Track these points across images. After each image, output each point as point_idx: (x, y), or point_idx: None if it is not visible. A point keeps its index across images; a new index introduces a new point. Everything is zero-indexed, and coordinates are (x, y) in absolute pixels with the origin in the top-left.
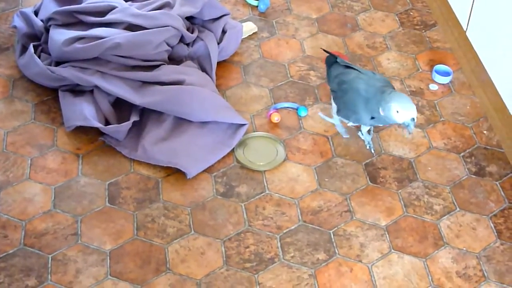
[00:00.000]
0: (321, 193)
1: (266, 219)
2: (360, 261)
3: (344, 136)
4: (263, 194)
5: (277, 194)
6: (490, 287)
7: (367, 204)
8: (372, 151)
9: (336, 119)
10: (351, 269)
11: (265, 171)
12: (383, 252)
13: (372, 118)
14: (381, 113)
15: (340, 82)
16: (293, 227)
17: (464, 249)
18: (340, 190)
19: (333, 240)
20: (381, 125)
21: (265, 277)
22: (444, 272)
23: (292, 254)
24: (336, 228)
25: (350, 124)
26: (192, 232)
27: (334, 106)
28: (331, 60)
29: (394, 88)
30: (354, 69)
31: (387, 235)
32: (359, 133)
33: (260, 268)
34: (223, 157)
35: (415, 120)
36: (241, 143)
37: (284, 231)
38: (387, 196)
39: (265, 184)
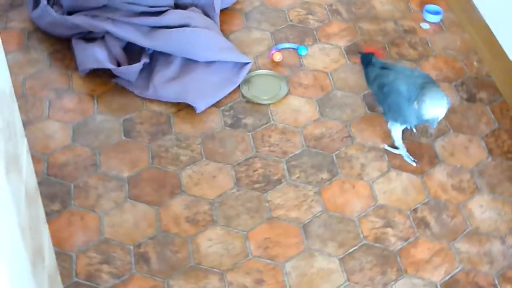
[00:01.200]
0: (322, 121)
1: (272, 145)
2: (362, 179)
3: (414, 165)
4: (268, 124)
5: (281, 124)
6: (483, 197)
7: (366, 130)
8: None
9: (402, 149)
10: (353, 186)
11: (269, 104)
12: (383, 170)
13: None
14: (416, 106)
15: (380, 85)
16: (297, 152)
17: (458, 165)
18: (340, 118)
19: (335, 161)
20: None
21: (274, 195)
22: (440, 186)
23: (298, 175)
24: (338, 151)
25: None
26: (204, 159)
27: (396, 137)
28: (367, 59)
29: (435, 82)
30: (390, 69)
31: (386, 156)
32: (402, 153)
33: (268, 188)
34: (230, 94)
35: (439, 119)
36: (246, 80)
37: (290, 156)
38: (384, 122)
39: (270, 116)
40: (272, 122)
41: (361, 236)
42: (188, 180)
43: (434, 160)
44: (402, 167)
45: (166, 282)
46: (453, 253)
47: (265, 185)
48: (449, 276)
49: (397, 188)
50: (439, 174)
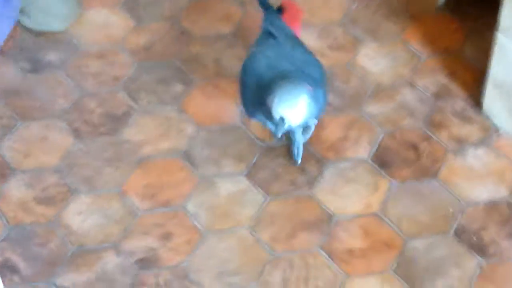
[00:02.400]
0: (143, 27)
1: (97, 75)
2: (221, 74)
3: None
4: (78, 52)
5: (94, 46)
6: (368, 48)
7: (202, 18)
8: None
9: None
10: (217, 86)
11: (66, 28)
12: (242, 56)
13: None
14: (268, 104)
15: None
16: (131, 72)
17: (327, 21)
18: (163, 15)
19: (182, 67)
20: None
21: (130, 133)
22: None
23: (146, 99)
24: (180, 54)
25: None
26: (20, 122)
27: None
28: (267, 12)
29: (317, 78)
30: (276, 36)
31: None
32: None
33: (119, 127)
34: (10, 33)
35: (285, 124)
36: (22, 9)
37: (124, 79)
38: (220, 3)
39: (75, 42)
40: (81, 48)
41: (256, 140)
42: (13, 154)
43: None
44: None
45: (51, 283)
46: (367, 120)
47: (114, 125)
48: (376, 146)
49: None
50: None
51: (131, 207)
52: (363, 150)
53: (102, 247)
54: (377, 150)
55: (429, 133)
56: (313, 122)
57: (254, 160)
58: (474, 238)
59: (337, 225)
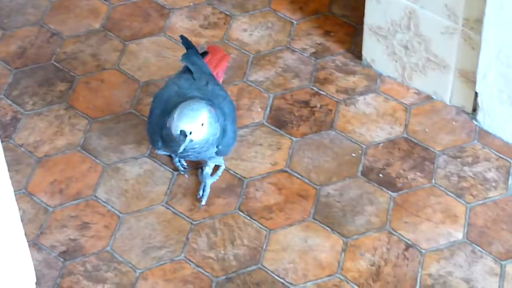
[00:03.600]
0: None
1: None
2: (103, 68)
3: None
4: None
5: None
6: (240, 21)
7: (68, 20)
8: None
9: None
10: (101, 80)
11: None
12: (119, 48)
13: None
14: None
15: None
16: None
17: (194, 2)
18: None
19: (60, 66)
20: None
21: (21, 136)
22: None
23: (32, 103)
24: (54, 55)
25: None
26: None
27: None
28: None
29: (226, 112)
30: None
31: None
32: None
33: (9, 133)
34: None
35: (186, 138)
36: None
37: (4, 87)
38: None
39: None
40: None
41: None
42: None
43: None
44: None
45: None
46: (255, 87)
47: (4, 133)
48: (268, 109)
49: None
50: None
51: (41, 204)
52: (257, 115)
53: None
54: (270, 112)
55: (317, 89)
56: (221, 163)
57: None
58: (381, 175)
59: (249, 186)
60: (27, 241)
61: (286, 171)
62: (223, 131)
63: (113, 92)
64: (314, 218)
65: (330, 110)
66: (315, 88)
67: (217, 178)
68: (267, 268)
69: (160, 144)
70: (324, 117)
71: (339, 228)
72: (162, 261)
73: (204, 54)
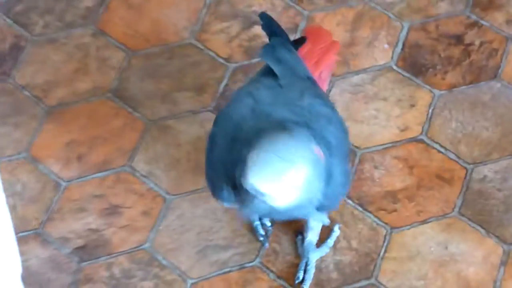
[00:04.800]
0: None
1: None
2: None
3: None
4: None
5: None
6: None
7: None
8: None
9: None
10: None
11: None
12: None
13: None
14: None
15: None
16: None
17: None
18: None
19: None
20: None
21: None
22: None
23: None
24: None
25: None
26: None
27: None
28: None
29: (331, 143)
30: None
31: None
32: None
33: None
34: None
35: (257, 201)
36: None
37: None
38: None
39: None
40: None
41: (220, 60)
42: None
43: None
44: None
45: None
46: (380, 11)
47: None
48: (400, 46)
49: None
50: None
51: (50, 176)
52: (382, 55)
53: (18, 238)
54: (403, 51)
55: (477, 18)
56: (326, 220)
57: (221, 88)
58: None
59: (364, 161)
60: (27, 230)
61: (422, 141)
62: (328, 175)
63: (165, 13)
64: (460, 213)
65: (496, 51)
66: (473, 16)
67: (328, 250)
68: (383, 286)
69: (225, 193)
70: (485, 61)
71: (498, 230)
72: (226, 268)
73: (299, 42)
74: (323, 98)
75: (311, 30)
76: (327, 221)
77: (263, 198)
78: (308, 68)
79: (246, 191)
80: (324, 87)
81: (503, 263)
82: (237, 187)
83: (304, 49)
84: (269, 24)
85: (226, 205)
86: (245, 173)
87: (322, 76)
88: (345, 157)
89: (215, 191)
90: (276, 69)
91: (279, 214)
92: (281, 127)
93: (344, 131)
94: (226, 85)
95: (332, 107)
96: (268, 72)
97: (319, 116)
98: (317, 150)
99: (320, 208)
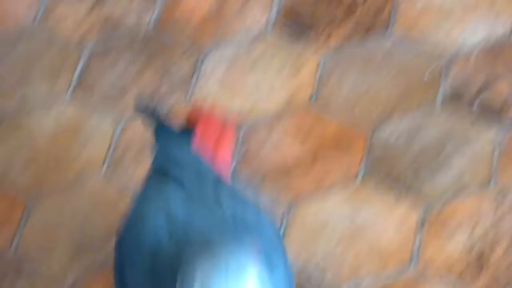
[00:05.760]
0: None
1: None
2: None
3: None
4: None
5: None
6: None
7: None
8: None
9: None
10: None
11: None
12: None
13: None
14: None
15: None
16: None
17: None
18: None
19: None
20: None
21: None
22: None
23: None
24: None
25: None
26: None
27: None
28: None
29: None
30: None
31: None
32: None
33: None
34: None
35: None
36: None
37: None
38: None
39: None
40: None
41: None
42: None
43: None
44: None
45: None
46: None
47: None
48: (277, 6)
49: None
50: None
51: None
52: (257, 19)
53: None
54: (279, 11)
55: None
56: None
57: (78, 70)
58: (476, 104)
59: (249, 139)
60: None
61: (311, 110)
62: (274, 275)
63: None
64: (364, 183)
65: (383, 6)
66: None
67: None
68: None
69: None
70: (373, 15)
71: (410, 194)
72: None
73: (187, 130)
74: (243, 200)
75: (194, 114)
76: None
77: None
78: (208, 162)
79: None
80: (229, 169)
81: (420, 227)
82: None
83: (198, 136)
84: (145, 110)
85: None
86: None
87: (224, 158)
88: (281, 248)
89: None
90: (178, 175)
91: None
92: (210, 253)
93: (277, 236)
94: (84, 67)
95: (255, 207)
96: (162, 174)
97: (246, 225)
98: (256, 254)
99: None
